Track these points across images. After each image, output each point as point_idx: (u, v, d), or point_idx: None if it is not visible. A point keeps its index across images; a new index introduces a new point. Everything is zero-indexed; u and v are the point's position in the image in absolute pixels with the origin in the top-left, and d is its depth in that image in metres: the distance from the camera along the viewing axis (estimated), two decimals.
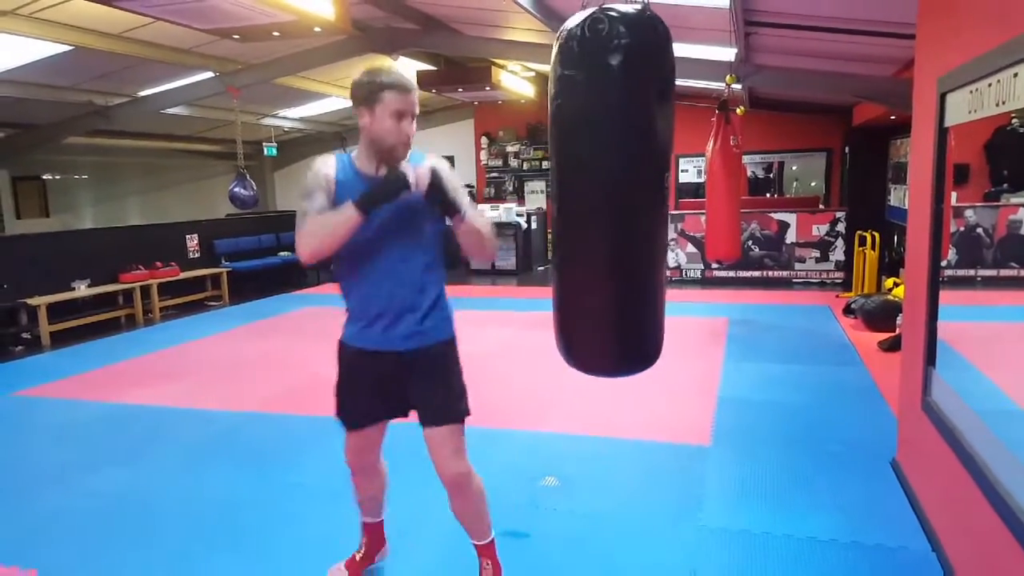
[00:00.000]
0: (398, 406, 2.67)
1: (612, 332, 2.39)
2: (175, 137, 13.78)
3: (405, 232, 2.46)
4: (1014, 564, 2.17)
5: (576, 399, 5.41)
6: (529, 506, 3.69)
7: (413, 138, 2.45)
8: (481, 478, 2.70)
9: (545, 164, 14.81)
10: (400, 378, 2.58)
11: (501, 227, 12.08)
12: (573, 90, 2.20)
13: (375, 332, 2.53)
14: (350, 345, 2.62)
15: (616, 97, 2.15)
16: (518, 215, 13.11)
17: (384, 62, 2.58)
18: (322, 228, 2.36)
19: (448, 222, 2.47)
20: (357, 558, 3.06)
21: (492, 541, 2.81)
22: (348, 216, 2.31)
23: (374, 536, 3.07)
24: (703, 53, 7.89)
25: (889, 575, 3.03)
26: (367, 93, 2.37)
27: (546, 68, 10.80)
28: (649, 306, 2.39)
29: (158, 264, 10.09)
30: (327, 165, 2.49)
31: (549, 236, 13.99)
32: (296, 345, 7.67)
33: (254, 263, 11.91)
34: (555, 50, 2.22)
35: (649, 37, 2.17)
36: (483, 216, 2.54)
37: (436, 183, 2.33)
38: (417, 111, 2.46)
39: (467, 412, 2.62)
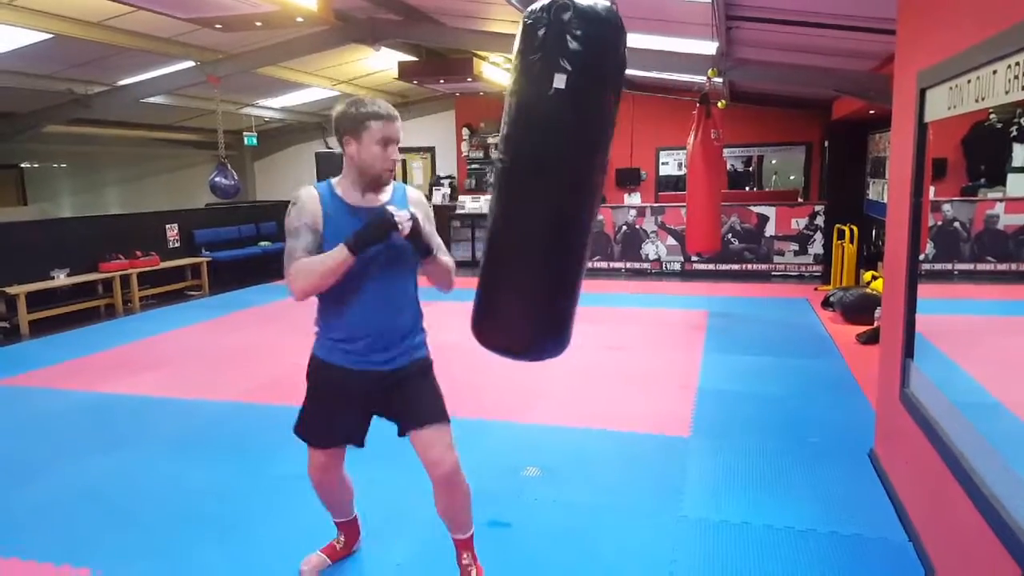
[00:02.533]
0: (364, 427, 2.77)
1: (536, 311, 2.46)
2: (155, 126, 13.65)
3: (391, 261, 2.56)
4: (990, 553, 2.21)
5: (558, 390, 5.44)
6: (511, 496, 3.71)
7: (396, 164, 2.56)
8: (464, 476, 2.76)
9: None
10: (378, 397, 2.67)
11: (482, 219, 12.07)
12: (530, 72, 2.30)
13: (358, 352, 2.61)
14: (331, 363, 2.67)
15: (573, 81, 2.22)
16: None
17: (365, 94, 2.68)
18: (316, 269, 2.44)
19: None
20: (337, 547, 3.13)
21: (472, 534, 2.86)
22: (342, 259, 2.40)
23: (353, 529, 3.17)
24: (685, 47, 7.91)
25: (866, 565, 3.08)
26: (353, 122, 2.46)
27: None
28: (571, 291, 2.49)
29: (138, 253, 10.01)
30: (311, 200, 2.53)
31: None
32: (278, 336, 7.65)
33: (234, 253, 11.84)
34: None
35: (607, 32, 2.26)
36: (448, 255, 2.72)
37: (416, 230, 2.46)
38: (400, 138, 2.55)
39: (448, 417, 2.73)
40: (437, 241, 2.63)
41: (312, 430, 2.80)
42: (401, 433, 2.70)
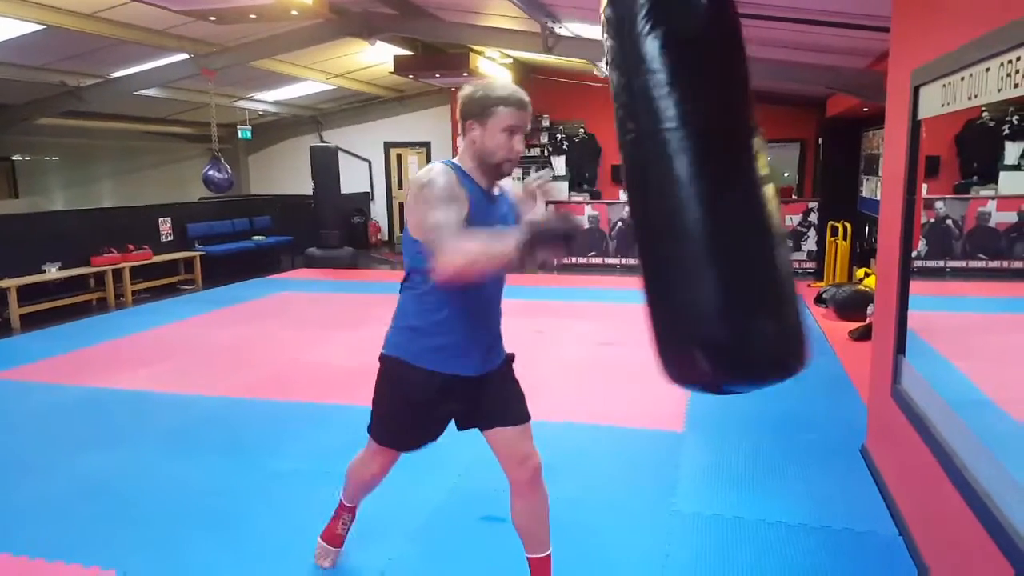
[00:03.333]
0: (445, 427, 2.64)
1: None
2: (148, 119, 13.62)
3: None
4: (979, 548, 2.23)
5: (552, 387, 5.45)
6: (506, 492, 3.70)
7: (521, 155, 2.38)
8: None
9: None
10: (469, 397, 2.54)
11: None
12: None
13: (465, 356, 2.47)
14: (425, 368, 2.45)
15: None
16: None
17: (498, 78, 2.49)
18: (486, 258, 2.04)
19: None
20: (340, 532, 3.07)
21: (549, 555, 2.71)
22: (507, 253, 2.00)
23: (350, 514, 3.11)
24: None
25: (857, 559, 3.09)
26: (481, 107, 2.30)
27: (524, 55, 10.79)
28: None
29: (130, 247, 9.97)
30: (451, 175, 2.28)
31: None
32: (273, 330, 7.64)
33: (228, 247, 11.80)
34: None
35: None
36: None
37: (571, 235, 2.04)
38: (528, 128, 2.39)
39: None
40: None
41: (401, 437, 2.63)
42: (462, 427, 2.63)
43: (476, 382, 2.50)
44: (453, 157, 2.46)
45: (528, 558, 2.68)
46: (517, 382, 2.64)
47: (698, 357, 1.79)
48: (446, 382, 2.45)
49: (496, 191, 2.46)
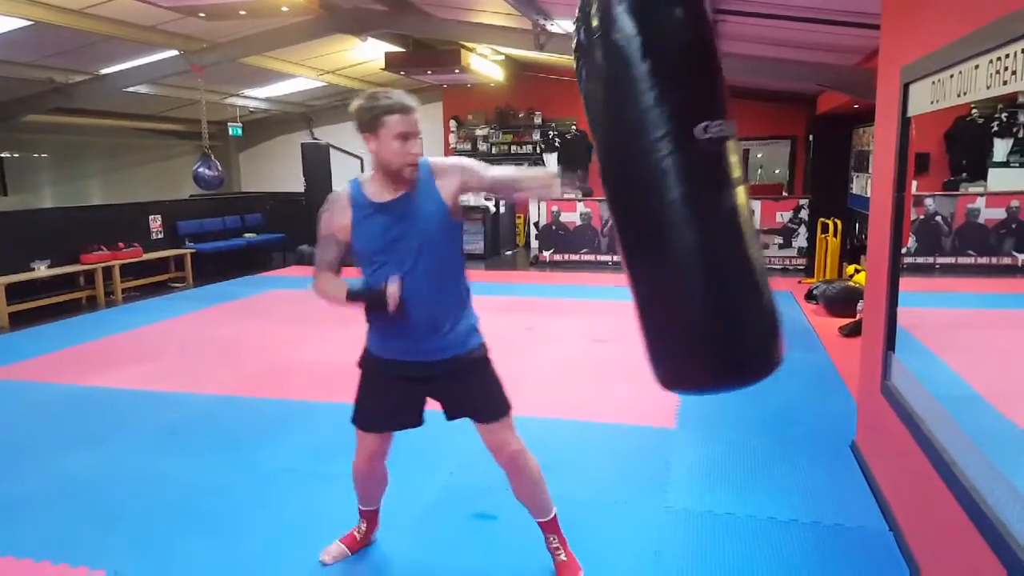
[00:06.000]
0: (419, 410, 2.79)
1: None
2: (138, 116, 13.55)
3: (427, 252, 2.55)
4: (968, 542, 2.24)
5: (544, 383, 5.45)
6: (498, 489, 3.70)
7: (420, 157, 2.50)
8: (536, 459, 2.83)
9: (514, 148, 14.80)
10: (429, 384, 2.70)
11: (470, 211, 12.06)
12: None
13: (403, 344, 2.65)
14: (380, 356, 2.75)
15: None
16: (486, 199, 13.09)
17: (380, 88, 2.62)
18: (323, 297, 2.68)
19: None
20: (358, 538, 3.15)
21: (555, 517, 2.91)
22: (338, 299, 2.61)
23: (374, 518, 3.18)
24: None
25: (848, 554, 3.11)
26: (369, 119, 2.41)
27: (515, 52, 10.77)
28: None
29: (120, 245, 9.93)
30: (341, 208, 2.60)
31: (518, 221, 14.07)
32: (265, 328, 7.62)
33: (218, 244, 11.77)
34: None
35: None
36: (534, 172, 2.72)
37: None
38: (420, 130, 2.50)
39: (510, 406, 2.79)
40: (507, 174, 2.69)
41: (365, 416, 2.80)
42: (449, 417, 2.78)
43: (423, 368, 2.63)
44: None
45: (536, 522, 2.92)
46: (487, 379, 2.73)
47: (690, 362, 1.89)
48: (387, 366, 2.70)
49: (401, 192, 2.52)
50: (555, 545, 2.91)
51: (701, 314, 1.79)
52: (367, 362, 2.78)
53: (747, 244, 1.79)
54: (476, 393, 2.71)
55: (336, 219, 2.59)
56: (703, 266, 1.77)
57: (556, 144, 13.92)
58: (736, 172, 1.81)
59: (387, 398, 2.74)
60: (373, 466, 2.91)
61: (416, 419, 2.78)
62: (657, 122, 1.72)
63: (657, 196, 1.76)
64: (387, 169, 2.47)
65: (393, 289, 2.43)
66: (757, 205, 10.97)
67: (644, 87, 1.72)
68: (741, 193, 1.81)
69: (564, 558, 2.91)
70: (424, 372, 2.64)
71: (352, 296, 2.57)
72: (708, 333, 1.81)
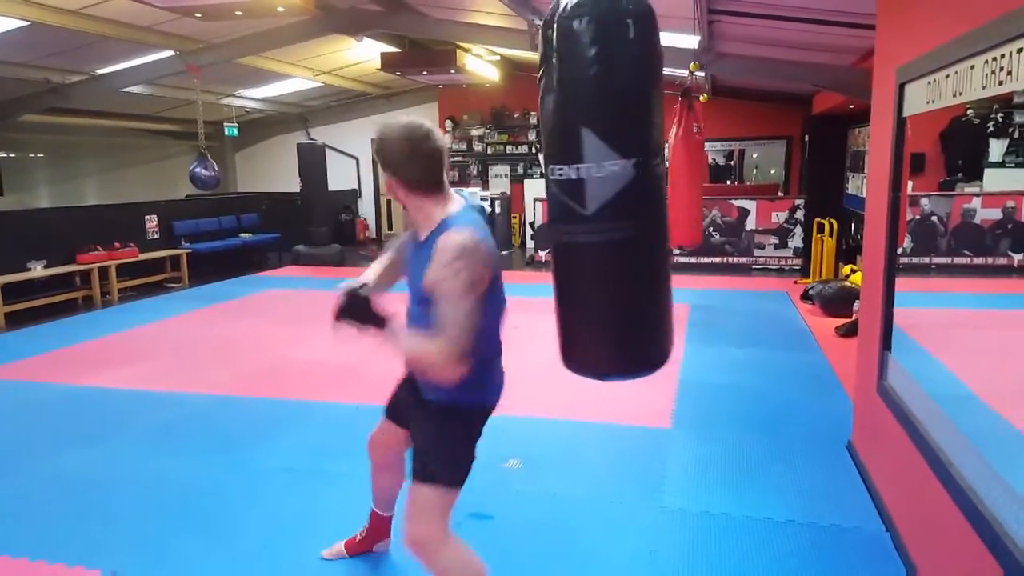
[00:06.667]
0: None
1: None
2: (134, 116, 13.53)
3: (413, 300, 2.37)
4: (964, 542, 2.24)
5: (540, 383, 5.44)
6: (493, 489, 3.72)
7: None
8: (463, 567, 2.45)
9: (509, 148, 14.81)
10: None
11: None
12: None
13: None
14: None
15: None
16: (482, 199, 13.10)
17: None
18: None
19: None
20: (357, 539, 3.12)
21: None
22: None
23: (380, 526, 3.09)
24: (667, 40, 7.88)
25: (844, 555, 3.11)
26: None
27: (511, 52, 10.75)
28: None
29: (116, 245, 9.91)
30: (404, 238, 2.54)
31: (515, 221, 14.07)
32: (261, 328, 7.61)
33: (214, 244, 11.75)
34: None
35: None
36: (448, 327, 2.13)
37: (352, 306, 2.24)
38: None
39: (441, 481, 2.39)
40: (440, 311, 2.14)
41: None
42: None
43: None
44: None
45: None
46: (432, 429, 2.43)
47: (598, 355, 2.28)
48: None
49: (424, 236, 2.30)
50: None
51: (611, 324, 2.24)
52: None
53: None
54: (418, 441, 2.49)
55: (402, 248, 2.54)
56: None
57: None
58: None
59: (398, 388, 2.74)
60: (377, 444, 2.86)
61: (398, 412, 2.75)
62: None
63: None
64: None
65: (339, 293, 2.27)
66: (753, 205, 11.00)
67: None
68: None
69: None
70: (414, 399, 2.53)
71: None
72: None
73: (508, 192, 14.12)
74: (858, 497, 3.59)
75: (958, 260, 9.19)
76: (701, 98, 8.48)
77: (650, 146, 2.09)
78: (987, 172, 9.38)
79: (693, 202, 8.47)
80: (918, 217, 9.19)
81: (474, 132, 14.88)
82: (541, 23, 2.14)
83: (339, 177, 14.78)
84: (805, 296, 8.30)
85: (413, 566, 3.06)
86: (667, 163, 8.94)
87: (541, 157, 1.98)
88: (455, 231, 2.18)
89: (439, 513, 2.36)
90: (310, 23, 8.87)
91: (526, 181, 14.36)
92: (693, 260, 11.16)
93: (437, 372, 2.18)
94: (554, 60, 2.08)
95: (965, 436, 2.37)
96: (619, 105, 2.05)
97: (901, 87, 3.09)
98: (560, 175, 2.11)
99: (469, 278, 2.12)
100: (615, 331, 2.22)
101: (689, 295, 9.01)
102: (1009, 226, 9.00)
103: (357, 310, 2.23)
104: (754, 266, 11.05)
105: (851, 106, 9.28)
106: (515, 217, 14.21)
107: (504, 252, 13.41)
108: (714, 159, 13.59)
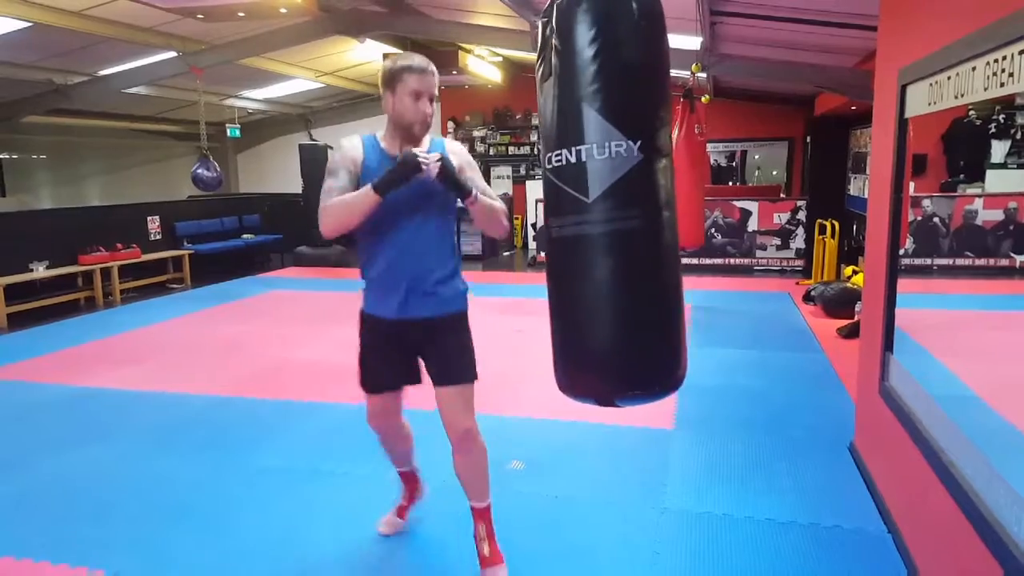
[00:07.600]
0: (412, 373, 2.86)
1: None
2: (136, 117, 13.55)
3: (421, 206, 2.63)
4: (967, 544, 2.24)
5: (542, 384, 5.44)
6: (495, 489, 3.70)
7: (431, 117, 2.64)
8: (485, 447, 2.86)
9: (511, 149, 14.81)
10: (414, 345, 2.78)
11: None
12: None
13: (393, 302, 2.69)
14: (370, 314, 2.79)
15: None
16: None
17: (409, 53, 2.70)
18: (344, 207, 2.52)
19: (462, 203, 2.64)
20: (403, 504, 3.28)
21: (489, 506, 2.94)
22: (367, 197, 2.48)
23: (412, 478, 3.28)
24: (669, 41, 7.92)
25: (846, 556, 3.11)
26: (389, 76, 2.58)
27: (513, 53, 10.79)
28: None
29: (119, 246, 9.93)
30: (353, 146, 2.66)
31: (516, 222, 14.07)
32: (262, 329, 7.62)
33: (216, 245, 11.76)
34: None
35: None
36: (494, 197, 2.72)
37: (445, 171, 2.49)
38: (436, 93, 2.63)
39: (475, 376, 2.79)
40: (480, 185, 2.67)
41: (365, 377, 2.87)
42: (434, 383, 2.80)
43: (409, 327, 2.71)
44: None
45: (470, 506, 2.94)
46: (462, 339, 2.78)
47: (595, 376, 2.18)
48: (381, 325, 2.75)
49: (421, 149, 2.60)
50: (482, 535, 2.93)
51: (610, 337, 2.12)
52: (365, 322, 2.83)
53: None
54: (444, 352, 2.75)
55: (349, 154, 2.64)
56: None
57: None
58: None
59: (385, 357, 2.82)
60: (389, 423, 3.00)
61: (414, 377, 2.86)
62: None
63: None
64: (400, 124, 2.60)
65: (431, 156, 2.48)
66: (755, 206, 10.99)
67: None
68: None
69: (487, 552, 2.92)
70: (409, 331, 2.72)
71: (383, 184, 2.47)
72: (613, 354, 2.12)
73: (510, 193, 14.12)
74: (860, 498, 3.59)
75: (960, 261, 9.19)
76: (703, 99, 8.50)
77: (657, 131, 1.95)
78: (989, 173, 9.39)
79: (695, 203, 8.49)
80: (920, 218, 9.19)
81: (476, 133, 14.89)
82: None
83: None
84: (807, 297, 8.30)
85: (413, 562, 3.08)
86: None
87: (541, 156, 2.08)
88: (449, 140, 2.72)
89: (473, 404, 2.79)
90: (312, 24, 8.88)
91: (528, 182, 14.36)
92: (695, 261, 11.16)
93: (505, 225, 2.73)
94: (554, 41, 1.99)
95: (967, 437, 2.37)
96: (624, 82, 1.92)
97: (903, 88, 3.09)
98: (558, 161, 1.97)
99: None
100: (619, 344, 2.07)
101: (691, 296, 8.99)
102: (1011, 227, 9.00)
103: (452, 175, 2.51)
104: (756, 267, 11.04)
105: (853, 107, 9.28)
106: (517, 218, 14.21)
107: (506, 254, 13.41)
108: (716, 160, 13.59)
